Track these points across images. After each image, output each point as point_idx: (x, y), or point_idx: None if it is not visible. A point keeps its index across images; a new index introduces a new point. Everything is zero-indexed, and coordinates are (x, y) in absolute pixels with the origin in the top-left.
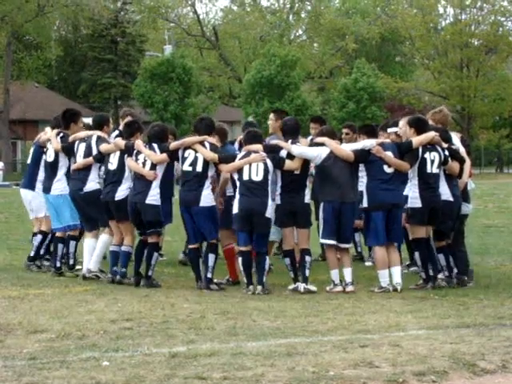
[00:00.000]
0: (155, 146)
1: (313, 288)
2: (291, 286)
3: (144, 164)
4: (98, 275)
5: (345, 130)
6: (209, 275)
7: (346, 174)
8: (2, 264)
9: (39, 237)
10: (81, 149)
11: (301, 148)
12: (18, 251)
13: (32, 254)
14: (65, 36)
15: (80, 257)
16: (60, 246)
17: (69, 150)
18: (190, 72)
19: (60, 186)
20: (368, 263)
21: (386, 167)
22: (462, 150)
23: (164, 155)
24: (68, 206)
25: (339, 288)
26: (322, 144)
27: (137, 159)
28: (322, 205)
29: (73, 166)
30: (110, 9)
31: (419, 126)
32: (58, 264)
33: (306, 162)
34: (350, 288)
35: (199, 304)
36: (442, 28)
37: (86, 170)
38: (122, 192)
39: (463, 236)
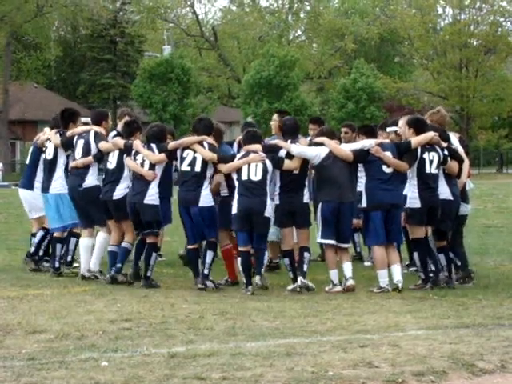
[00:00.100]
0: (153, 146)
1: (311, 284)
2: (290, 287)
3: (142, 164)
4: (96, 276)
5: (344, 129)
6: (206, 272)
7: (344, 174)
8: (1, 264)
9: (40, 233)
10: (79, 145)
11: (300, 148)
12: (17, 251)
13: (32, 250)
14: (64, 36)
15: (78, 256)
16: (58, 246)
17: (68, 145)
18: (189, 72)
19: (59, 184)
20: (367, 263)
21: (384, 167)
22: (461, 150)
23: (162, 155)
24: (68, 205)
25: (338, 288)
26: (321, 144)
27: (135, 159)
28: (320, 205)
29: (72, 164)
30: (109, 9)
31: (418, 127)
32: (57, 264)
33: (304, 162)
34: (350, 282)
35: (198, 304)
36: (440, 28)
37: (85, 166)
38: (120, 191)
39: (461, 236)
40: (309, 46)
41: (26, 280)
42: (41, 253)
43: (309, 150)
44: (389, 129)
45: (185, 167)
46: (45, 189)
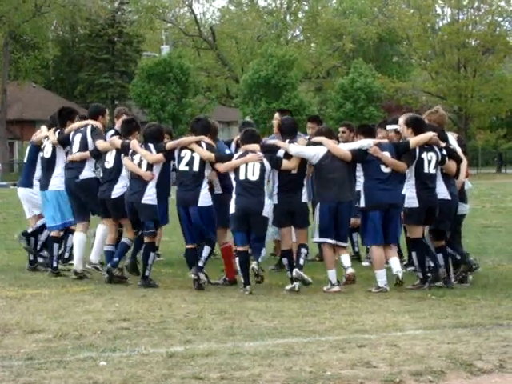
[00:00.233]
0: (151, 145)
1: (306, 277)
2: (288, 286)
3: (140, 164)
4: (97, 267)
5: (341, 129)
6: (200, 264)
7: (343, 174)
8: None
9: (46, 232)
10: (76, 139)
11: (298, 147)
12: (15, 251)
13: (29, 230)
14: (62, 36)
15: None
16: (55, 245)
17: (65, 142)
18: (188, 72)
19: (58, 182)
20: (365, 263)
21: (383, 167)
22: (459, 150)
23: (160, 155)
24: (67, 202)
25: (336, 288)
26: (319, 143)
27: (132, 159)
28: (318, 204)
29: (69, 157)
30: (107, 9)
31: (417, 126)
32: (55, 264)
33: (303, 162)
34: (350, 270)
35: (196, 304)
36: (439, 28)
37: (82, 160)
38: (118, 190)
39: (460, 236)
40: (307, 46)
41: (24, 280)
42: (38, 247)
43: (307, 149)
44: (389, 127)
45: (183, 167)
46: (43, 186)
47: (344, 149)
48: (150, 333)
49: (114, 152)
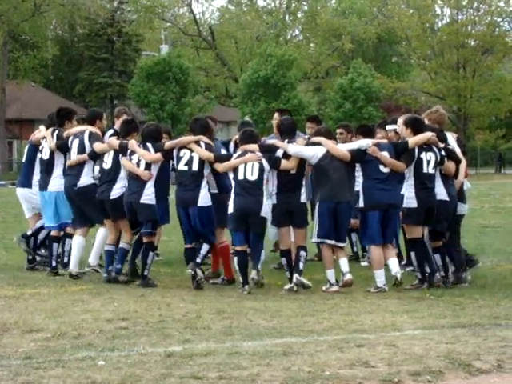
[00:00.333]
0: (149, 145)
1: (306, 281)
2: (287, 286)
3: (138, 164)
4: (96, 269)
5: (339, 131)
6: (198, 260)
7: (342, 174)
8: None
9: (44, 232)
10: (74, 145)
11: (297, 147)
12: (14, 251)
13: (29, 232)
14: (61, 35)
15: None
16: (55, 245)
17: (64, 147)
18: (187, 72)
19: (57, 182)
20: (364, 263)
21: (382, 167)
22: (458, 151)
23: (158, 155)
24: (65, 203)
25: (335, 288)
26: (318, 143)
27: (131, 159)
28: (317, 204)
29: (68, 163)
30: (107, 8)
31: (416, 126)
32: (54, 263)
33: (301, 162)
34: (348, 276)
35: (195, 304)
36: (438, 28)
37: (80, 165)
38: (117, 191)
39: (459, 236)
40: (306, 46)
41: (22, 279)
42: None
43: (306, 149)
44: (388, 127)
45: (182, 167)
46: (43, 187)
47: (343, 149)
48: (149, 332)
49: (111, 153)
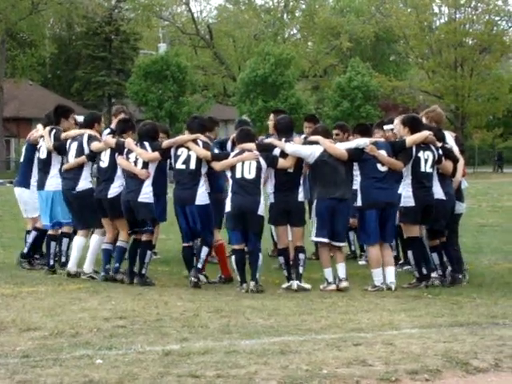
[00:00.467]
0: (146, 144)
1: (306, 286)
2: (285, 285)
3: (136, 162)
4: (92, 276)
5: (335, 131)
6: (199, 265)
7: (339, 173)
8: None
9: (33, 233)
10: (73, 148)
11: (294, 146)
12: (11, 249)
13: (25, 250)
14: (59, 34)
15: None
16: (53, 244)
17: (61, 149)
18: (185, 70)
19: (54, 182)
20: (361, 262)
21: (379, 166)
22: (456, 149)
23: (156, 153)
24: (60, 203)
25: (333, 286)
26: (315, 142)
27: (128, 158)
28: (315, 203)
29: (65, 166)
30: (104, 6)
31: (413, 125)
32: (51, 262)
33: (299, 161)
34: (343, 284)
35: (193, 302)
36: (436, 27)
37: (79, 168)
38: (114, 189)
39: (457, 235)
40: (304, 45)
41: (20, 277)
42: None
43: (303, 148)
44: (386, 127)
45: (179, 165)
46: (40, 186)
47: (340, 148)
48: (146, 331)
49: (108, 151)
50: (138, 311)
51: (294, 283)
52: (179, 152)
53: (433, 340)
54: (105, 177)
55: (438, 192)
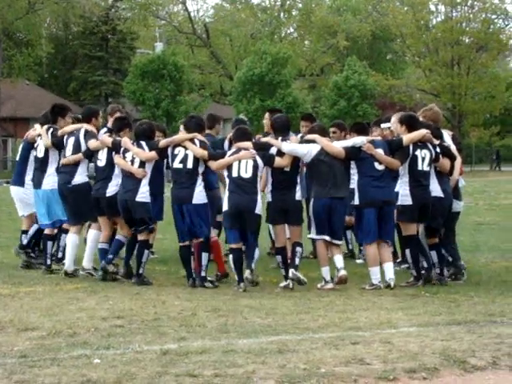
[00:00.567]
0: (143, 143)
1: (302, 277)
2: (282, 284)
3: (132, 162)
4: (91, 273)
5: (332, 129)
6: (203, 274)
7: (336, 171)
8: None
9: (35, 226)
10: (70, 143)
11: (291, 145)
12: (8, 249)
13: (24, 242)
14: (55, 33)
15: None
16: (49, 243)
17: (59, 145)
18: (182, 70)
19: (51, 180)
20: (359, 260)
21: (376, 164)
22: (453, 148)
23: (153, 153)
24: (58, 201)
25: (330, 285)
26: (312, 141)
27: (124, 157)
28: (312, 201)
29: (62, 161)
30: (101, 6)
31: (410, 124)
32: (49, 262)
33: (295, 159)
34: (342, 272)
35: (190, 301)
36: (433, 26)
37: (75, 163)
38: (112, 188)
39: (454, 233)
40: (301, 44)
41: (17, 277)
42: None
43: (300, 147)
44: (383, 125)
45: (177, 164)
46: (37, 185)
47: (337, 146)
48: (144, 330)
49: (105, 150)
50: (135, 311)
51: (290, 271)
52: (176, 151)
53: (430, 338)
54: (102, 175)
55: (436, 190)
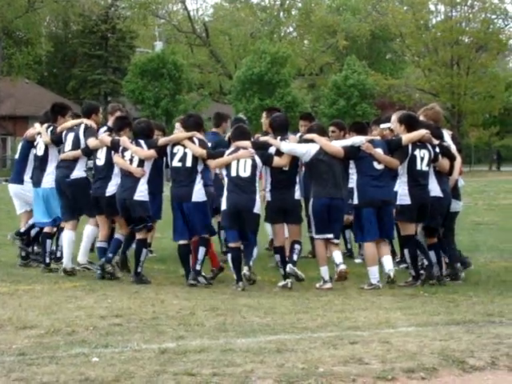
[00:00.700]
0: (142, 142)
1: (300, 273)
2: (281, 283)
3: (131, 160)
4: (87, 267)
5: (331, 128)
6: (198, 267)
7: (335, 171)
8: None
9: (36, 229)
10: (69, 138)
11: (290, 145)
12: (7, 247)
13: (22, 230)
14: (55, 32)
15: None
16: (48, 241)
17: (58, 141)
18: (181, 68)
19: (50, 179)
20: (358, 260)
21: (376, 164)
22: (453, 148)
23: (152, 151)
24: (57, 199)
25: (329, 285)
26: (311, 140)
27: (123, 156)
28: (311, 201)
29: (61, 156)
30: (100, 5)
31: (409, 123)
32: (47, 260)
33: (294, 159)
34: (342, 267)
35: (189, 300)
36: (432, 25)
37: (74, 159)
38: (112, 187)
39: (453, 233)
40: (300, 43)
41: (16, 276)
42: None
43: (299, 147)
44: (382, 125)
45: (176, 163)
46: (36, 183)
47: (336, 145)
48: (143, 329)
49: (104, 149)
50: (134, 309)
51: (288, 266)
52: (175, 150)
53: (429, 338)
54: (101, 175)
55: (435, 189)
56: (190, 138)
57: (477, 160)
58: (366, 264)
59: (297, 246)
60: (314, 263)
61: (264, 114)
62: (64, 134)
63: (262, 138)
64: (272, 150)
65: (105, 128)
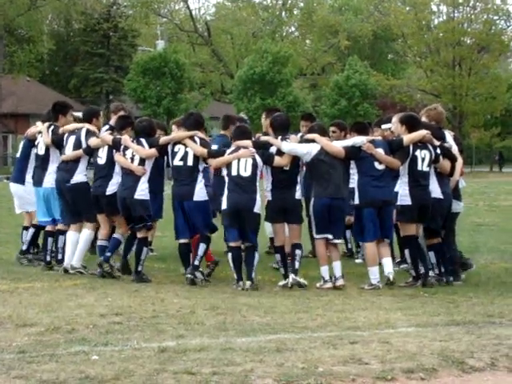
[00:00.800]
0: (143, 140)
1: (302, 281)
2: (281, 283)
3: (132, 159)
4: (81, 271)
5: (332, 129)
6: (196, 262)
7: (336, 171)
8: None
9: (31, 230)
10: (70, 141)
11: (291, 145)
12: (8, 245)
13: (24, 247)
14: (57, 30)
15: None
16: (49, 240)
17: (59, 143)
18: (183, 67)
19: (51, 178)
20: (358, 260)
21: (376, 164)
22: (455, 148)
23: (153, 150)
24: (58, 199)
25: (329, 284)
26: (312, 140)
27: (124, 154)
28: (312, 201)
29: (62, 157)
30: (103, 3)
31: (411, 124)
32: (48, 258)
33: (295, 159)
34: (339, 282)
35: (189, 299)
36: (434, 26)
37: (75, 161)
38: (113, 186)
39: (454, 234)
40: (302, 43)
41: (16, 273)
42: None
43: (300, 146)
44: (384, 126)
45: (177, 162)
46: (37, 182)
47: (337, 146)
48: (143, 327)
49: (106, 148)
50: (134, 308)
51: (290, 277)
52: (176, 149)
53: (429, 339)
54: (102, 173)
55: (436, 191)
56: (191, 137)
57: (478, 161)
58: (366, 264)
59: (298, 252)
60: (315, 263)
61: (264, 115)
62: (65, 136)
63: (263, 138)
64: (273, 149)
65: (106, 127)
